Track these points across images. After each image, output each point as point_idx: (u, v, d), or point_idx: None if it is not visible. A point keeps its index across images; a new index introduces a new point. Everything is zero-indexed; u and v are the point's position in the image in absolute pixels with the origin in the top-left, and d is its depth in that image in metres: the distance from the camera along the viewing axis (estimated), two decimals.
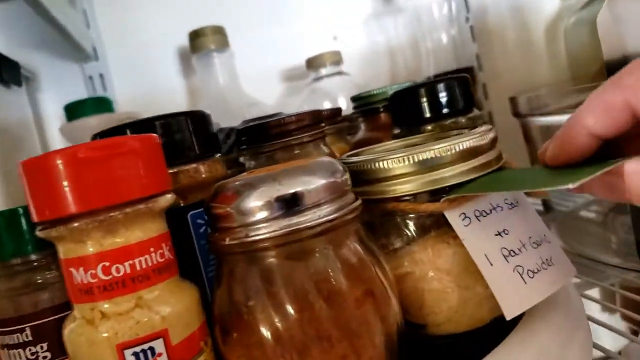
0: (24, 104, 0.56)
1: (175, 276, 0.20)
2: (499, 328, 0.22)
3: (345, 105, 0.63)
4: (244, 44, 0.70)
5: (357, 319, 0.19)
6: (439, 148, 0.23)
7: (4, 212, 0.22)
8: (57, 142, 0.63)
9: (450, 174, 0.23)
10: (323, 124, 0.31)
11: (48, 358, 0.21)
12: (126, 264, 0.18)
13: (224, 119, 0.41)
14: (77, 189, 0.17)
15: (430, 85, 0.33)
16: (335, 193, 0.20)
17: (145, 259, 0.18)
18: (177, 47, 0.71)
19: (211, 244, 0.20)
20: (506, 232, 0.23)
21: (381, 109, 0.42)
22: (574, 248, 0.49)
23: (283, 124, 0.29)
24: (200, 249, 0.24)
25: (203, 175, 0.24)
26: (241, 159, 0.34)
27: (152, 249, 0.19)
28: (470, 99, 0.34)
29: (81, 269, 0.18)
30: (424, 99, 0.33)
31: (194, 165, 0.24)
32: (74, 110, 0.53)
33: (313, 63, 0.70)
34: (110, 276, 0.18)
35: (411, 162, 0.23)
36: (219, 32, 0.65)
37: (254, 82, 0.69)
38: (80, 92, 0.65)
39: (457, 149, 0.23)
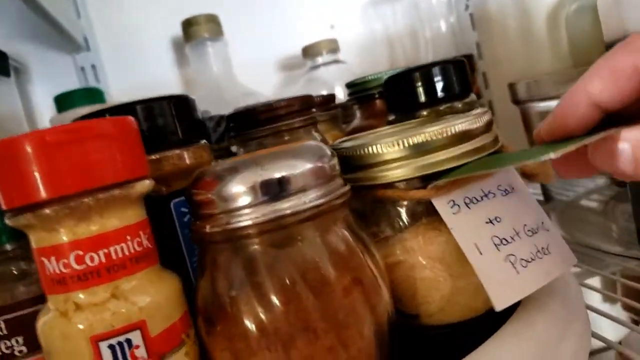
0: (14, 96, 0.55)
1: (154, 266, 0.19)
2: (495, 319, 0.21)
3: (343, 95, 0.62)
4: (238, 33, 0.69)
5: (345, 309, 0.18)
6: (431, 131, 0.22)
7: None
8: None
9: (443, 158, 0.22)
10: (314, 110, 0.30)
11: (24, 352, 0.20)
12: (101, 252, 0.17)
13: (218, 108, 0.40)
14: (45, 174, 0.16)
15: (425, 69, 0.32)
16: (322, 178, 0.19)
17: (122, 248, 0.18)
18: (170, 37, 0.69)
19: (193, 232, 0.19)
20: (498, 219, 0.21)
21: (377, 96, 0.41)
22: (574, 237, 0.48)
23: (272, 108, 0.28)
24: (184, 239, 0.23)
25: (187, 162, 0.24)
26: (232, 148, 0.33)
27: (128, 237, 0.18)
28: (467, 84, 0.33)
29: (53, 258, 0.17)
30: (419, 84, 0.32)
31: (177, 151, 0.23)
32: (64, 101, 0.52)
33: (309, 51, 0.68)
34: (84, 265, 0.17)
35: (403, 146, 0.22)
36: (213, 20, 0.64)
37: (250, 71, 0.68)
38: (72, 84, 0.63)
39: (450, 132, 0.22)
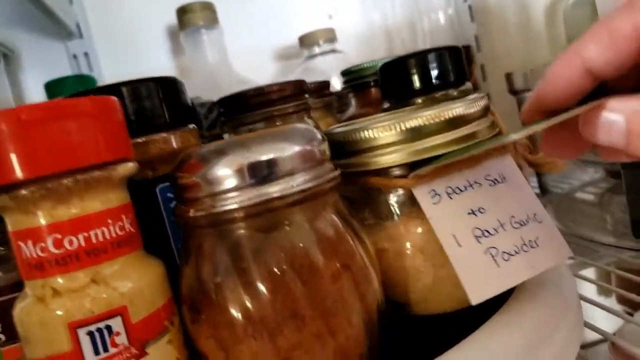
0: (4, 83, 0.54)
1: (137, 251, 0.18)
2: (486, 310, 0.21)
3: (339, 85, 0.61)
4: (234, 21, 0.68)
5: (333, 296, 0.18)
6: (426, 115, 0.21)
7: None
8: None
9: (438, 143, 0.21)
10: (307, 96, 0.29)
11: (2, 340, 0.20)
12: (80, 236, 0.17)
13: (214, 97, 0.39)
14: (21, 154, 0.15)
15: (420, 56, 0.31)
16: (311, 161, 0.19)
17: (103, 232, 0.17)
18: (165, 25, 0.68)
19: (177, 216, 0.19)
20: (482, 210, 0.21)
21: (372, 84, 0.40)
22: (569, 229, 0.47)
23: (264, 93, 0.27)
24: (171, 224, 0.22)
25: (174, 146, 0.23)
26: (224, 136, 0.32)
27: (110, 221, 0.17)
28: (463, 71, 0.33)
29: (30, 242, 0.16)
30: (414, 71, 0.31)
31: (163, 134, 0.23)
32: (55, 88, 0.51)
33: (306, 40, 0.68)
34: (63, 249, 0.16)
35: (397, 130, 0.21)
36: (208, 8, 0.63)
37: (246, 60, 0.67)
38: (64, 72, 0.62)
39: (446, 117, 0.21)
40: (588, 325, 0.30)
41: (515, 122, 0.54)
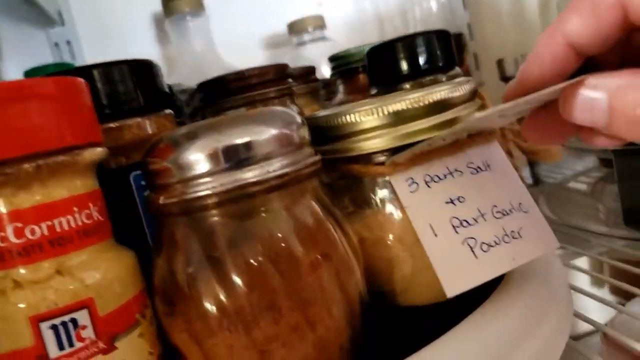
0: None
1: (106, 240, 0.17)
2: (473, 302, 0.20)
3: (329, 74, 0.60)
4: (221, 9, 0.66)
5: (311, 286, 0.17)
6: (409, 99, 0.20)
7: None
8: None
9: (422, 127, 0.20)
10: (290, 80, 0.28)
11: None
12: (44, 225, 0.16)
13: None
14: None
15: (407, 40, 0.31)
16: (289, 146, 0.18)
17: (68, 220, 0.16)
18: (150, 12, 0.67)
19: (148, 204, 0.18)
20: (461, 199, 0.20)
21: (360, 69, 0.39)
22: (561, 218, 0.47)
23: (244, 77, 0.26)
24: (145, 213, 0.21)
25: (149, 132, 0.22)
26: None
27: (76, 209, 0.16)
28: (452, 56, 0.32)
29: None
30: (401, 55, 0.31)
31: (137, 119, 0.22)
32: (34, 76, 0.49)
33: (295, 28, 0.66)
34: (24, 239, 0.15)
35: (379, 114, 0.20)
36: None
37: (233, 48, 0.66)
38: (46, 60, 0.61)
39: (430, 101, 0.20)
40: (579, 315, 0.29)
41: None
